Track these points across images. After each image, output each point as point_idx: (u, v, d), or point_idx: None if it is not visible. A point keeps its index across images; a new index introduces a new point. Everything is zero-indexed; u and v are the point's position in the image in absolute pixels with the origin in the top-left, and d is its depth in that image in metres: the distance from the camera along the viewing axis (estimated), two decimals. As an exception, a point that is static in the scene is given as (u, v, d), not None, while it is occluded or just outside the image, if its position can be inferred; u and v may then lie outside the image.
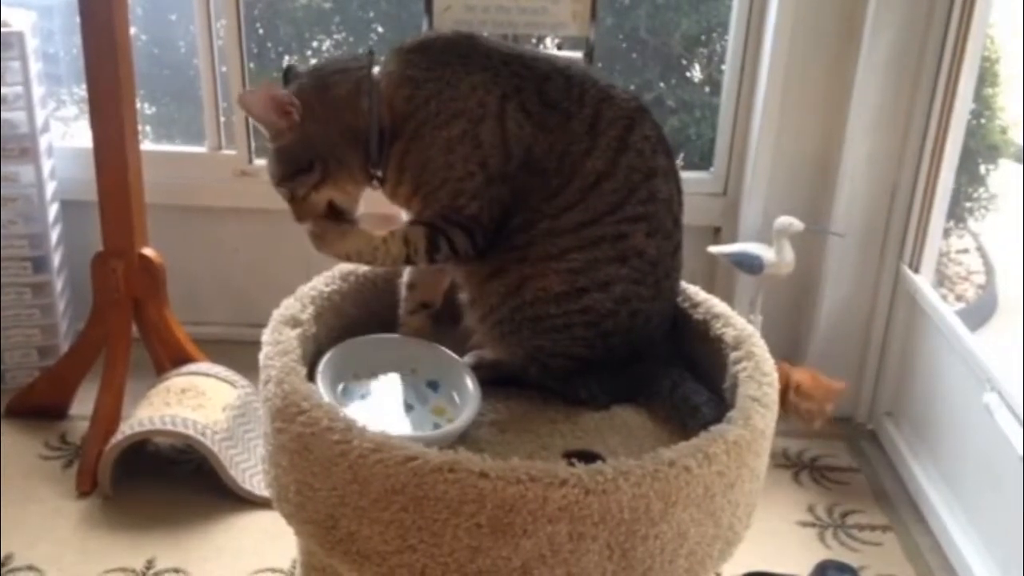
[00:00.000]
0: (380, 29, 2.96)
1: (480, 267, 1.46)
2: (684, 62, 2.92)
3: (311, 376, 1.40)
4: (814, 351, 2.56)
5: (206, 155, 2.68)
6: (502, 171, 1.40)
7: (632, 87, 2.83)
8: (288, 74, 1.47)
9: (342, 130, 1.42)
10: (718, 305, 1.56)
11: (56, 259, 2.52)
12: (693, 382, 1.48)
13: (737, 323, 1.51)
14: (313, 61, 2.97)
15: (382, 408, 1.42)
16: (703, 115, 2.85)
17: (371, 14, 2.95)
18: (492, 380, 1.49)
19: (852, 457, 2.46)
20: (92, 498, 2.16)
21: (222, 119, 2.64)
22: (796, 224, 2.33)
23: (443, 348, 1.51)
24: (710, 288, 2.02)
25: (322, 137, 1.41)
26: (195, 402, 2.19)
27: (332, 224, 1.46)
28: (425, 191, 1.42)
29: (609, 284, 1.41)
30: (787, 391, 2.19)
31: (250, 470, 2.18)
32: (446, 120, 1.39)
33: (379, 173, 1.44)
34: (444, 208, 1.41)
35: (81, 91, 2.72)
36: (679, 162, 2.89)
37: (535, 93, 1.41)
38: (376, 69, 1.44)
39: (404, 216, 1.49)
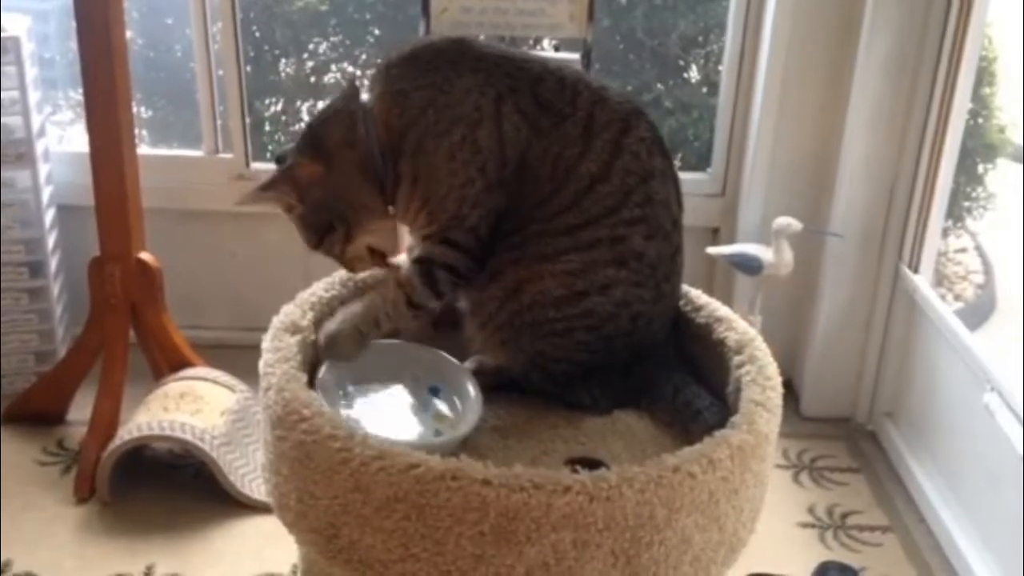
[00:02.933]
0: (377, 31, 2.95)
1: None
2: (682, 63, 2.92)
3: (311, 383, 1.39)
4: (814, 351, 2.56)
5: (203, 159, 2.67)
6: (499, 176, 1.39)
7: (630, 88, 2.83)
8: (279, 160, 1.47)
9: (347, 172, 1.41)
10: (720, 308, 1.55)
11: (53, 264, 2.52)
12: (695, 386, 1.47)
13: (739, 327, 1.50)
14: (310, 63, 2.98)
15: (383, 415, 1.41)
16: (701, 116, 2.85)
17: (368, 16, 2.94)
18: (494, 386, 1.48)
19: (852, 458, 2.46)
20: (90, 504, 2.15)
21: (219, 123, 2.64)
22: (795, 224, 2.33)
23: (444, 353, 1.50)
24: (709, 289, 2.02)
25: (330, 194, 1.41)
26: (193, 407, 2.19)
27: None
28: (434, 201, 1.40)
29: (609, 287, 1.41)
30: None
31: (249, 475, 2.18)
32: (446, 128, 1.38)
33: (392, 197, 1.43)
34: (451, 219, 1.40)
35: (77, 95, 2.71)
36: (677, 163, 2.89)
37: (529, 94, 1.40)
38: (365, 95, 1.43)
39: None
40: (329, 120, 1.43)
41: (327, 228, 1.43)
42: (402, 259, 1.49)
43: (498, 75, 1.40)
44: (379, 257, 1.47)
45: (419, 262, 1.42)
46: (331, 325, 1.43)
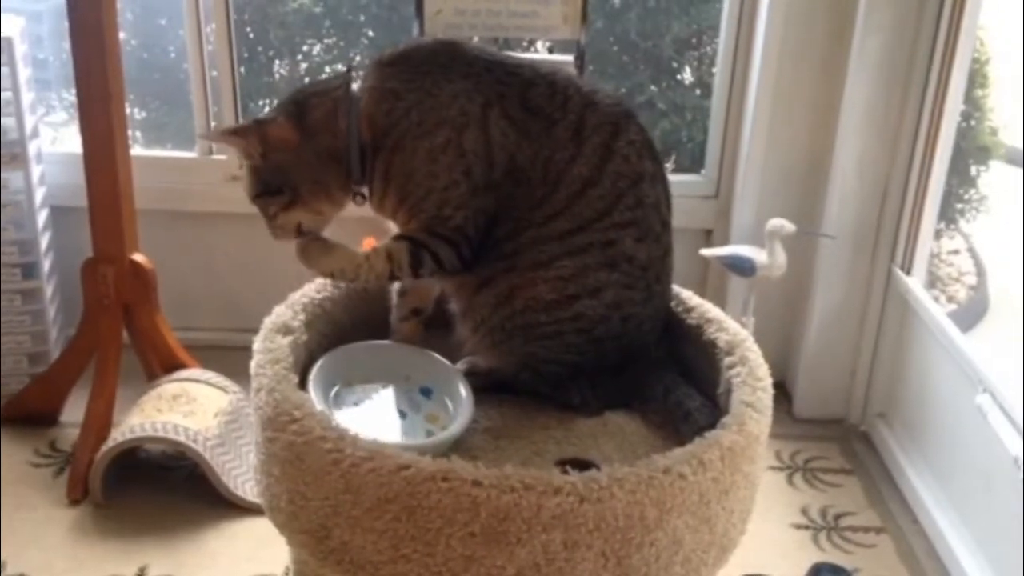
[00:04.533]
0: (371, 33, 2.95)
1: (469, 278, 1.45)
2: (675, 65, 2.92)
3: (303, 384, 1.39)
4: (807, 353, 2.56)
5: (197, 160, 2.67)
6: (486, 180, 1.39)
7: (623, 90, 2.84)
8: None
9: (319, 152, 1.42)
10: (711, 310, 1.55)
11: (46, 265, 2.51)
12: (686, 387, 1.48)
13: (730, 328, 1.51)
14: (304, 65, 2.98)
15: (375, 416, 1.41)
16: (694, 118, 2.85)
17: (361, 18, 2.94)
18: (485, 387, 1.49)
19: (845, 459, 2.46)
20: (83, 506, 2.15)
21: (213, 124, 2.63)
22: (788, 226, 2.33)
23: (436, 355, 1.51)
24: (702, 291, 2.02)
25: (294, 164, 1.42)
26: (186, 408, 2.19)
27: (317, 240, 1.46)
28: (411, 202, 1.42)
29: (600, 290, 1.41)
30: None
31: (242, 476, 2.18)
32: (429, 130, 1.38)
33: (363, 190, 1.44)
34: (431, 219, 1.41)
35: (71, 96, 2.71)
36: (670, 165, 2.89)
37: (518, 99, 1.41)
38: (356, 85, 1.43)
39: (393, 228, 1.49)
40: (317, 97, 1.43)
41: (274, 191, 1.43)
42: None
43: (487, 81, 1.41)
44: (301, 233, 1.47)
45: (410, 240, 1.43)
46: (325, 254, 1.44)
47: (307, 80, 2.97)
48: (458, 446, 1.38)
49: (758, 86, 2.45)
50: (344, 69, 1.46)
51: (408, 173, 1.40)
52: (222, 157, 2.64)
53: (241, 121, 2.60)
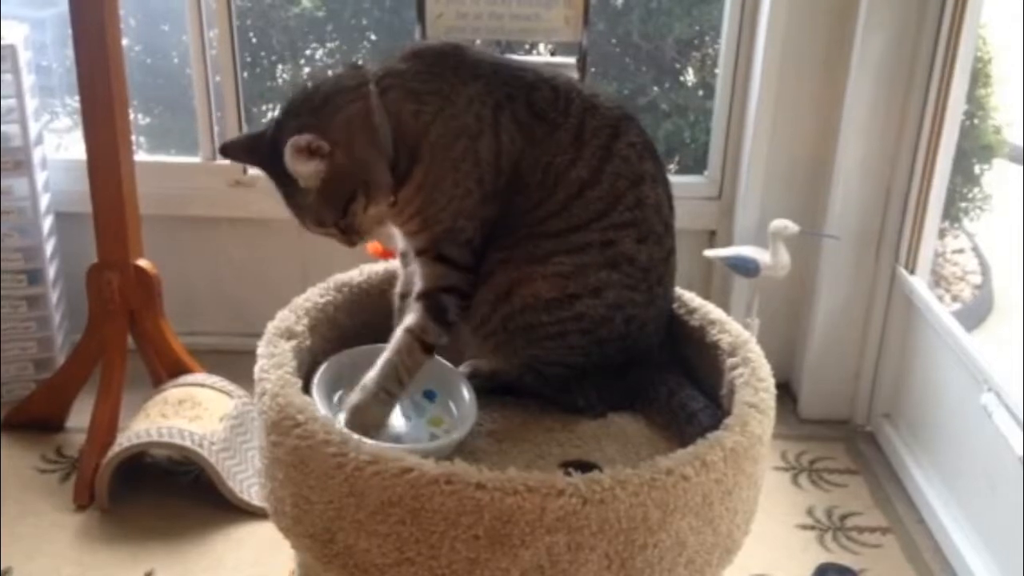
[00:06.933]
0: (373, 37, 2.96)
1: None
2: (677, 66, 2.92)
3: (307, 388, 1.39)
4: (811, 354, 2.56)
5: (200, 165, 2.68)
6: (493, 188, 1.39)
7: (625, 92, 2.84)
8: (226, 150, 1.44)
9: (364, 148, 1.35)
10: (714, 311, 1.55)
11: (51, 271, 2.52)
12: (690, 388, 1.48)
13: (733, 329, 1.51)
14: (307, 69, 2.98)
15: (379, 419, 1.41)
16: (697, 119, 2.85)
17: (364, 22, 2.95)
18: (489, 389, 1.49)
19: (850, 459, 2.46)
20: (89, 511, 2.16)
21: (216, 129, 2.64)
22: (791, 227, 2.33)
23: (439, 358, 1.51)
24: (706, 292, 2.02)
25: (351, 161, 1.34)
26: (192, 413, 2.19)
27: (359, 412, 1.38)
28: (431, 211, 1.39)
29: (601, 290, 1.41)
30: None
31: (248, 480, 2.18)
32: (451, 140, 1.37)
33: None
34: (445, 231, 1.39)
35: (75, 103, 2.72)
36: (673, 166, 2.89)
37: (524, 102, 1.40)
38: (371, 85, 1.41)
39: (395, 234, 1.47)
40: (343, 94, 1.36)
41: (350, 196, 1.35)
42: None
43: (496, 82, 1.40)
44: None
45: (423, 297, 1.41)
46: (354, 397, 1.37)
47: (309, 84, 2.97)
48: (462, 449, 1.38)
49: (760, 86, 2.45)
50: (348, 65, 1.42)
51: (436, 183, 1.38)
52: (226, 162, 2.65)
53: (245, 124, 2.61)
